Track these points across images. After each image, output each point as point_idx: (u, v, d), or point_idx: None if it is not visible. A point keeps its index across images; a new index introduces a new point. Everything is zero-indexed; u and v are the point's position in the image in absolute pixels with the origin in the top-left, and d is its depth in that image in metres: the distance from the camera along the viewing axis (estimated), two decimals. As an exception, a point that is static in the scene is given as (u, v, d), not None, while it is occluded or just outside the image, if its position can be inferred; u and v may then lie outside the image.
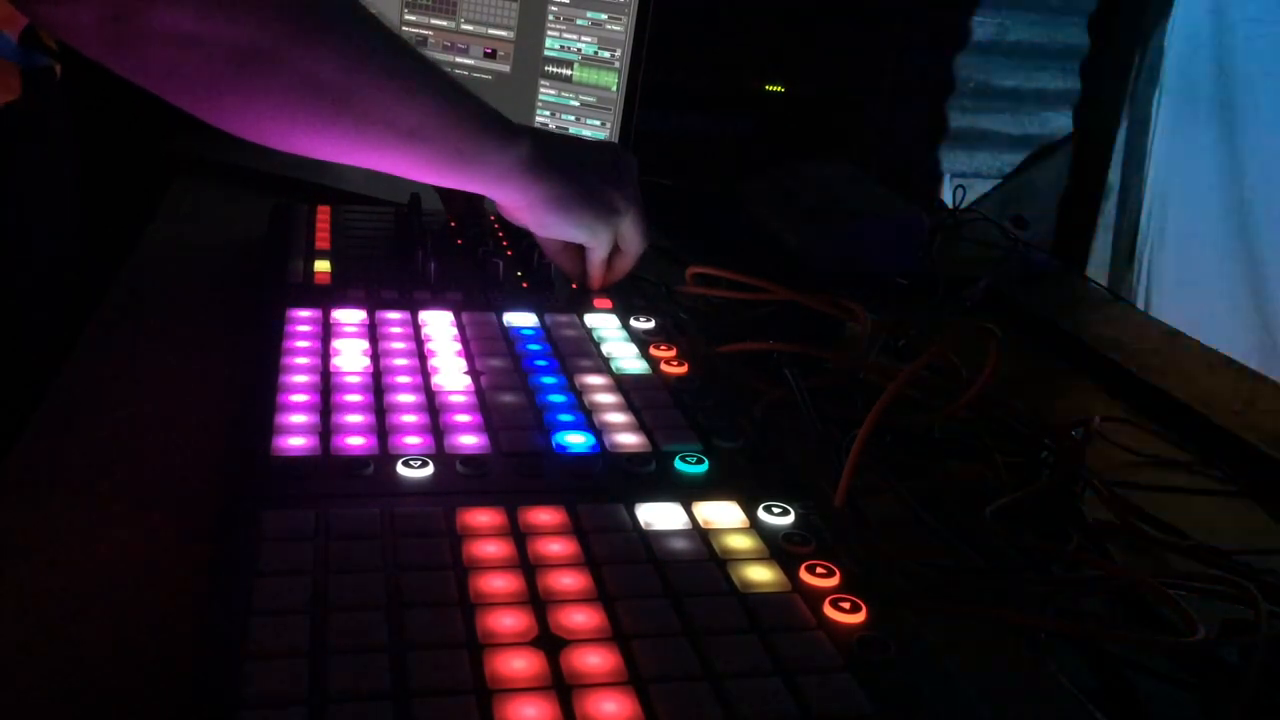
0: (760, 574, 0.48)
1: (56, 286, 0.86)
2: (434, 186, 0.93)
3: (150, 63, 0.56)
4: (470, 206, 0.93)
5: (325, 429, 0.57)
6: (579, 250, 0.78)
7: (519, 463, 0.55)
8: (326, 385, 0.62)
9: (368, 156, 0.66)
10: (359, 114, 0.62)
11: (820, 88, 1.48)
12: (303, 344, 0.67)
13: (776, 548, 0.50)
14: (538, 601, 0.45)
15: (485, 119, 0.68)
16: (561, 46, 1.14)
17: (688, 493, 0.54)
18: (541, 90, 1.15)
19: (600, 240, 0.75)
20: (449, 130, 0.66)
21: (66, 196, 0.88)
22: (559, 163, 0.71)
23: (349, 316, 0.72)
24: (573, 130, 1.13)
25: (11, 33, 0.76)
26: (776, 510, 0.53)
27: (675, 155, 1.29)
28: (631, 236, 0.77)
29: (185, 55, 0.55)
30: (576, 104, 1.14)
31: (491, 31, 1.18)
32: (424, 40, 1.21)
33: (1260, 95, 2.03)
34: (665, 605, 0.45)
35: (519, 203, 0.71)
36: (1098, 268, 2.09)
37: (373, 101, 0.62)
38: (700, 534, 0.51)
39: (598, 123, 1.13)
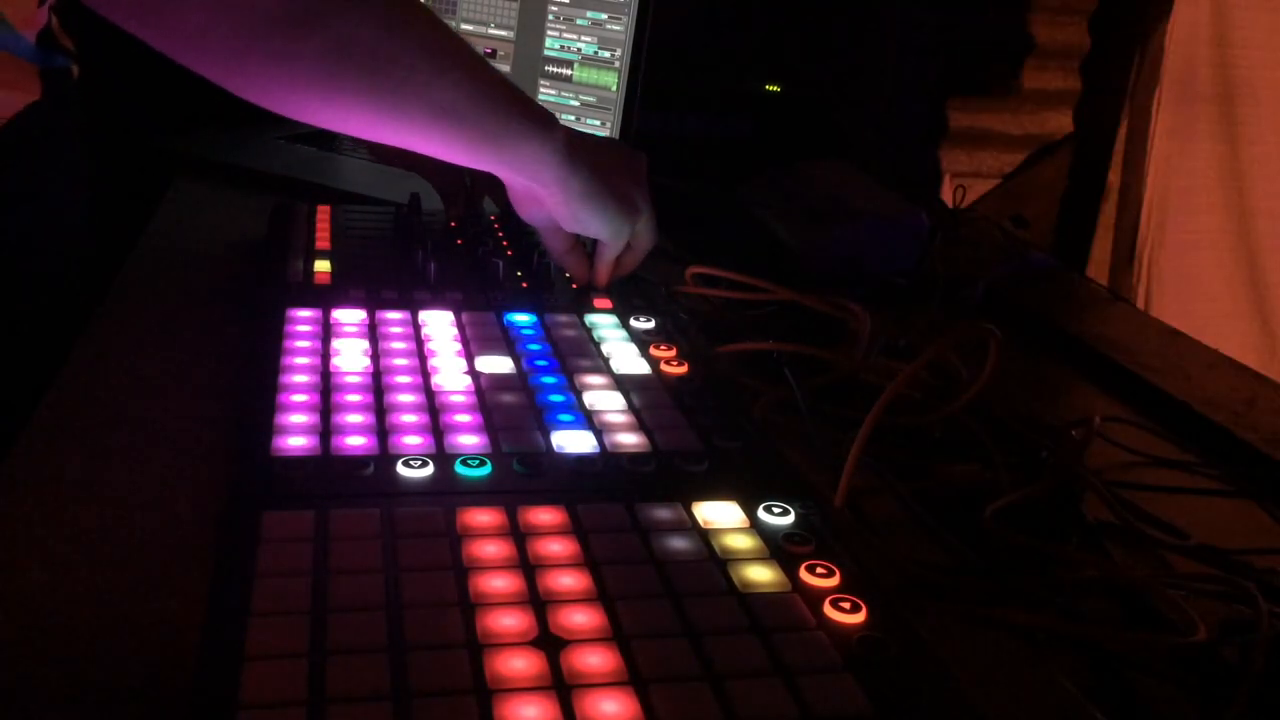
0: (760, 574, 0.48)
1: (60, 285, 0.86)
2: (434, 186, 0.93)
3: (181, 26, 0.55)
4: (470, 206, 0.93)
5: (325, 429, 0.57)
6: (585, 248, 0.79)
7: (519, 463, 0.55)
8: (326, 385, 0.62)
9: (401, 132, 0.65)
10: (394, 85, 0.61)
11: (820, 88, 1.48)
12: (303, 344, 0.67)
13: (776, 548, 0.50)
14: (538, 601, 0.45)
15: (524, 104, 0.69)
16: (561, 46, 1.14)
17: (688, 493, 0.54)
18: (541, 90, 1.15)
19: (619, 238, 0.76)
20: (486, 110, 0.66)
21: (79, 197, 0.89)
22: (591, 157, 0.72)
23: (349, 316, 0.72)
24: (573, 130, 1.13)
25: (29, 34, 0.76)
26: (776, 510, 0.53)
27: (675, 155, 1.29)
28: (644, 235, 0.77)
29: (219, 17, 0.54)
30: (576, 104, 1.14)
31: (491, 31, 1.18)
32: (424, 40, 1.21)
33: (1260, 95, 2.03)
34: (665, 605, 0.45)
35: (555, 193, 0.71)
36: (1098, 268, 2.09)
37: (409, 72, 0.61)
38: (700, 534, 0.51)
39: (598, 123, 1.13)
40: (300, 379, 0.62)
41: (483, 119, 0.66)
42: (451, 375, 0.65)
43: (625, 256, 0.79)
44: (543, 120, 0.69)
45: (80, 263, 0.89)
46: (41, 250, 0.83)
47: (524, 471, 0.55)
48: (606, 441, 0.59)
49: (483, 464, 0.55)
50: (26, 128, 0.76)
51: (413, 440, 0.57)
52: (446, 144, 0.67)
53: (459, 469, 0.55)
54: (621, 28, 1.10)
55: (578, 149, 0.71)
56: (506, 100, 0.68)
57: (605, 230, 0.75)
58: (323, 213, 0.92)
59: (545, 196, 0.72)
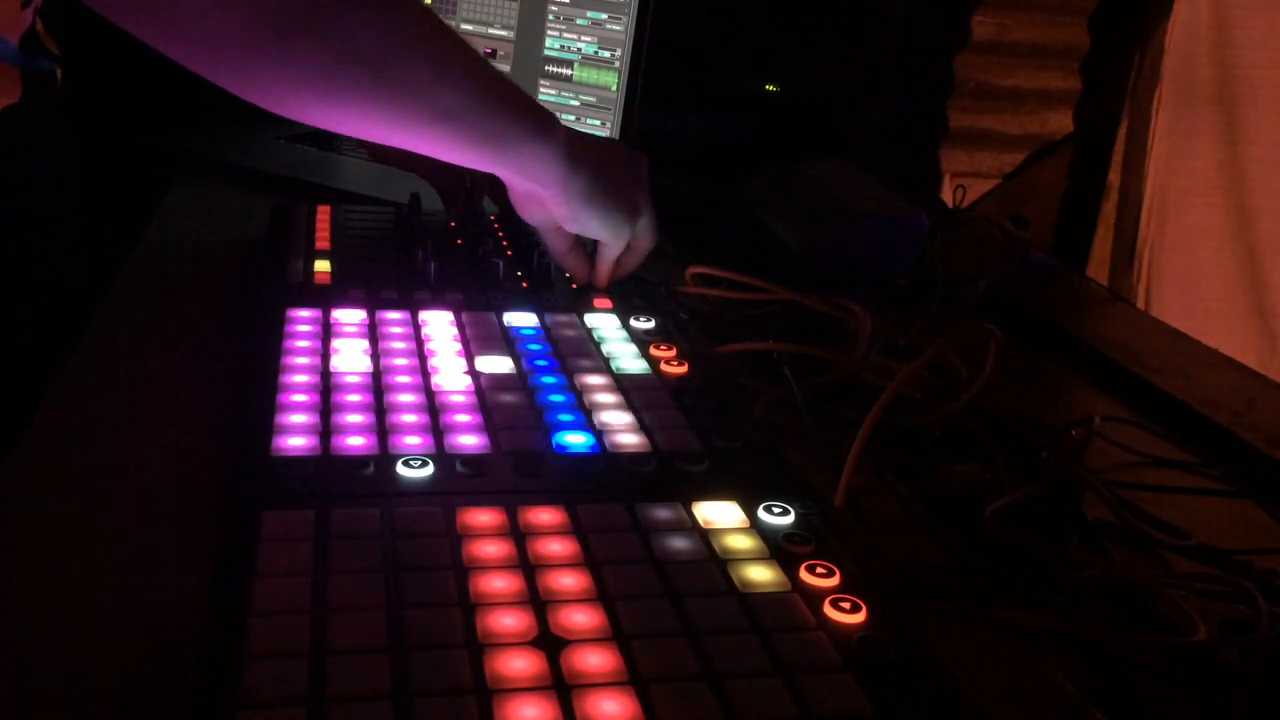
0: (760, 574, 0.48)
1: (56, 288, 0.86)
2: (434, 186, 0.93)
3: (181, 26, 0.55)
4: (470, 206, 0.93)
5: (325, 429, 0.57)
6: (586, 248, 0.79)
7: (519, 462, 0.55)
8: (326, 385, 0.62)
9: (401, 133, 0.65)
10: (395, 87, 0.61)
11: (820, 88, 1.48)
12: (303, 344, 0.67)
13: (776, 548, 0.50)
14: (538, 601, 0.45)
15: (524, 105, 0.69)
16: (561, 46, 1.14)
17: (688, 493, 0.54)
18: (541, 90, 1.15)
19: (620, 238, 0.76)
20: (487, 111, 0.66)
21: (65, 199, 0.88)
22: (592, 158, 0.72)
23: (349, 316, 0.72)
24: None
25: (12, 36, 0.75)
26: (776, 510, 0.53)
27: (675, 155, 1.29)
28: (645, 236, 0.78)
29: (219, 17, 0.54)
30: (576, 104, 1.14)
31: (491, 31, 1.18)
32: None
33: (1260, 95, 2.03)
34: (665, 605, 0.45)
35: (555, 193, 0.72)
36: (1098, 268, 2.09)
37: (409, 75, 0.61)
38: (700, 534, 0.51)
39: (598, 123, 1.13)
40: (300, 379, 0.62)
41: (483, 120, 0.66)
42: (451, 375, 0.65)
43: (625, 257, 0.79)
44: (543, 121, 0.69)
45: (72, 264, 0.88)
46: (31, 252, 0.83)
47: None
48: (606, 441, 0.59)
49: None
50: (7, 130, 0.76)
51: (413, 440, 0.57)
52: (447, 145, 0.67)
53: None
54: (621, 28, 1.10)
55: (578, 149, 0.71)
56: (507, 101, 0.68)
57: (605, 231, 0.75)
58: (323, 213, 0.92)
59: (546, 197, 0.72)
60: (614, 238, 0.76)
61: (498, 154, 0.69)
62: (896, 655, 0.43)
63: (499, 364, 0.67)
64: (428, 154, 0.68)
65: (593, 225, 0.74)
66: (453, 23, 1.20)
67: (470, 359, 0.67)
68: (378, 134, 0.66)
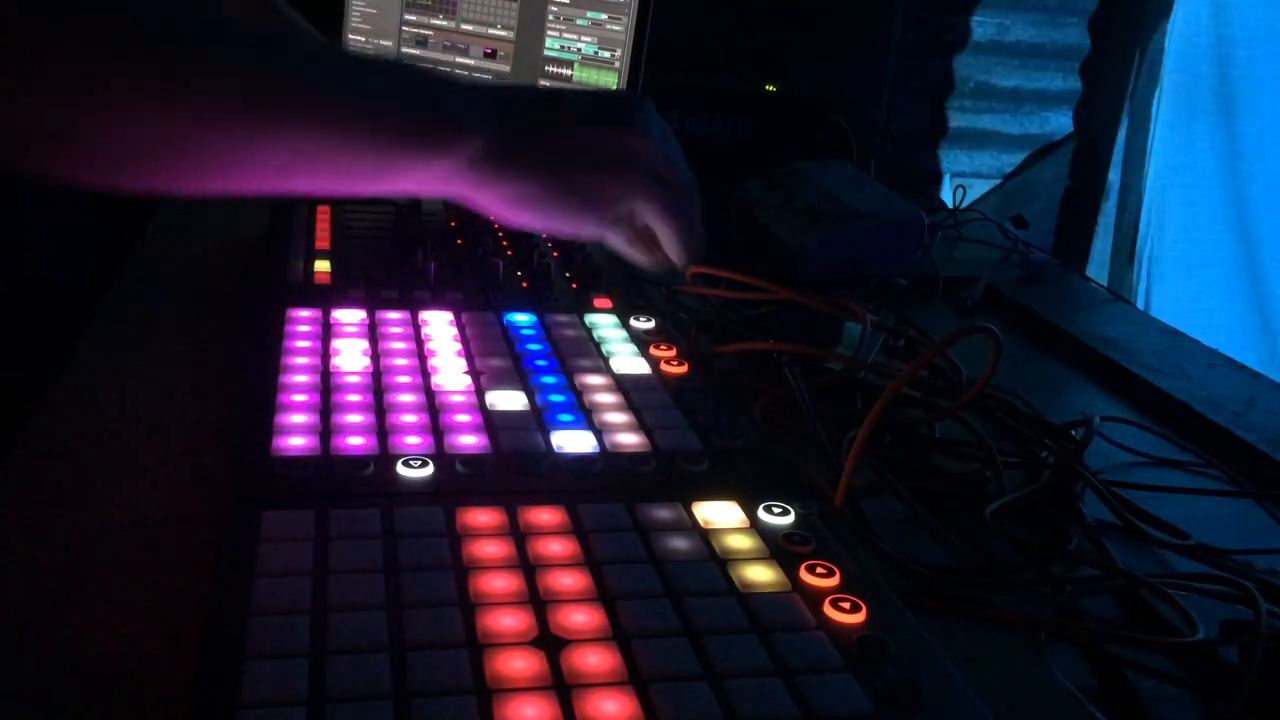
0: (760, 574, 0.48)
1: (59, 285, 0.86)
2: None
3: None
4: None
5: (325, 429, 0.57)
6: (644, 236, 0.64)
7: (519, 462, 0.55)
8: (326, 385, 0.62)
9: (247, 190, 0.51)
10: (203, 167, 0.49)
11: (820, 88, 1.48)
12: (303, 344, 0.67)
13: (776, 548, 0.50)
14: (538, 601, 0.45)
15: (410, 122, 0.54)
16: (561, 46, 1.14)
17: (688, 493, 0.54)
18: (541, 90, 1.15)
19: (597, 232, 0.61)
20: (343, 151, 0.52)
21: (81, 194, 0.88)
22: (527, 153, 0.57)
23: (349, 316, 0.72)
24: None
25: None
26: (776, 510, 0.53)
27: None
28: (655, 213, 0.61)
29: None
30: (576, 104, 1.14)
31: (491, 31, 1.18)
32: (424, 40, 1.21)
33: (1260, 95, 2.03)
34: (665, 605, 0.45)
35: (478, 203, 0.57)
36: (1098, 268, 2.09)
37: (218, 152, 0.48)
38: (700, 534, 0.51)
39: (598, 123, 1.13)
40: (300, 379, 0.62)
41: (338, 163, 0.52)
42: (451, 375, 0.65)
43: (663, 239, 0.63)
44: (441, 134, 0.54)
45: (83, 261, 0.88)
46: (43, 248, 0.83)
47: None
48: (606, 441, 0.59)
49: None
50: None
51: (413, 440, 0.57)
52: (313, 188, 0.54)
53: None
54: (621, 28, 1.10)
55: (506, 147, 0.56)
56: (380, 129, 0.53)
57: (565, 230, 0.62)
58: (323, 213, 0.92)
59: (475, 206, 0.58)
60: (586, 234, 0.62)
61: (379, 184, 0.55)
62: (896, 655, 0.43)
63: (499, 364, 0.67)
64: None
65: (546, 227, 0.61)
66: (452, 23, 1.20)
67: (470, 359, 0.67)
68: (221, 194, 0.52)
